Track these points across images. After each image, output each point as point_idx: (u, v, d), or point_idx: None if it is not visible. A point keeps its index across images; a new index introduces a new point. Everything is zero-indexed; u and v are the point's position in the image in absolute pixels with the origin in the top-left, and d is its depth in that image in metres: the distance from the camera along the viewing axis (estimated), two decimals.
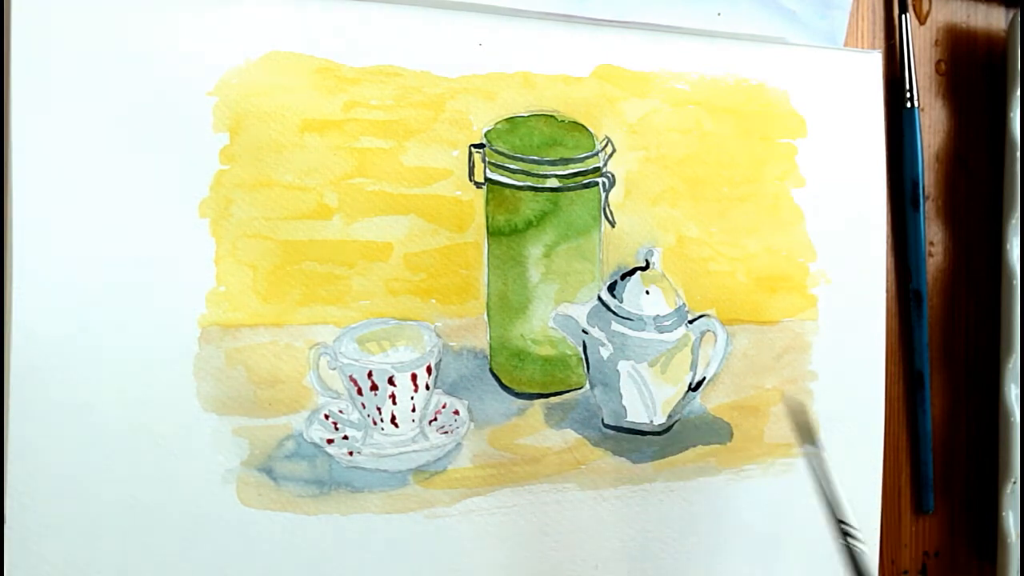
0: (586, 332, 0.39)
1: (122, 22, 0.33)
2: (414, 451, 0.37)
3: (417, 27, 0.36)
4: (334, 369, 0.35)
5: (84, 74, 0.32)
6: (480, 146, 0.37)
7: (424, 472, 0.37)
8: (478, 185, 0.37)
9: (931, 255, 0.49)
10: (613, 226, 0.39)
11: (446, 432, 0.37)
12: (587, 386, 0.40)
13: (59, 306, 0.32)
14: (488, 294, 0.38)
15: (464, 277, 0.37)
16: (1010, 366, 0.48)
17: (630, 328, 0.39)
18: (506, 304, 0.38)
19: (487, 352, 0.38)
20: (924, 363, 0.47)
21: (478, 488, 0.37)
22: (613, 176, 0.39)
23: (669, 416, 0.41)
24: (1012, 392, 0.48)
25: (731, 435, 0.42)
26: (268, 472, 0.34)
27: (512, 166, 0.37)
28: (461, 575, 0.37)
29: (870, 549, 0.44)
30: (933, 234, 0.49)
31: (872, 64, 0.45)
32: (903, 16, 0.47)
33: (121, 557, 0.33)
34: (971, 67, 0.50)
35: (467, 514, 0.37)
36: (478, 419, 0.38)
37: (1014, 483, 0.47)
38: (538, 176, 0.38)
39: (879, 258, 0.45)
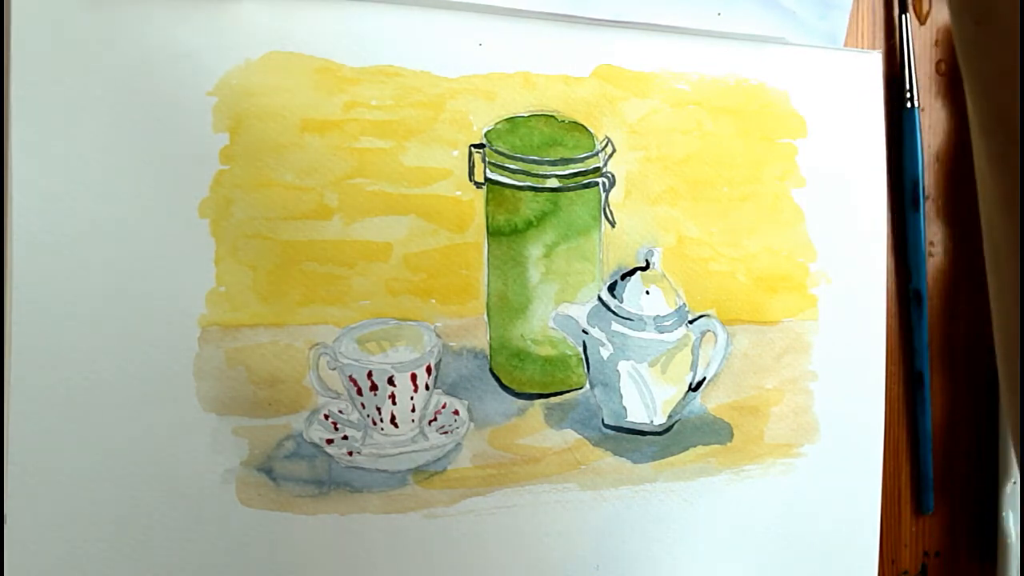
0: (586, 332, 0.39)
1: (122, 22, 0.33)
2: (414, 451, 0.37)
3: (417, 27, 0.36)
4: (334, 369, 0.35)
5: (84, 74, 0.32)
6: (480, 146, 0.37)
7: (424, 472, 0.37)
8: (478, 185, 0.37)
9: (931, 255, 0.49)
10: (613, 226, 0.39)
11: (446, 432, 0.37)
12: (587, 386, 0.40)
13: (59, 306, 0.32)
14: (488, 294, 0.38)
15: (464, 277, 0.37)
16: None
17: (630, 328, 0.39)
18: (506, 304, 0.38)
19: (487, 352, 0.38)
20: (924, 363, 0.47)
21: (478, 488, 0.37)
22: (613, 176, 0.39)
23: (669, 416, 0.40)
24: None
25: (731, 435, 0.42)
26: (268, 472, 0.34)
27: (512, 166, 0.37)
28: (461, 575, 0.37)
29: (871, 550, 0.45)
30: (933, 234, 0.49)
31: (872, 64, 0.45)
32: (903, 16, 0.47)
33: (121, 557, 0.33)
34: None
35: (467, 514, 0.37)
36: (478, 419, 0.38)
37: (1014, 483, 0.47)
38: (538, 176, 0.38)
39: (879, 258, 0.45)
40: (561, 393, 0.39)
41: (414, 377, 0.36)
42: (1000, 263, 0.21)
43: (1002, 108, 0.20)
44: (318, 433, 0.35)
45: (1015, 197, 0.20)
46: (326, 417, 0.36)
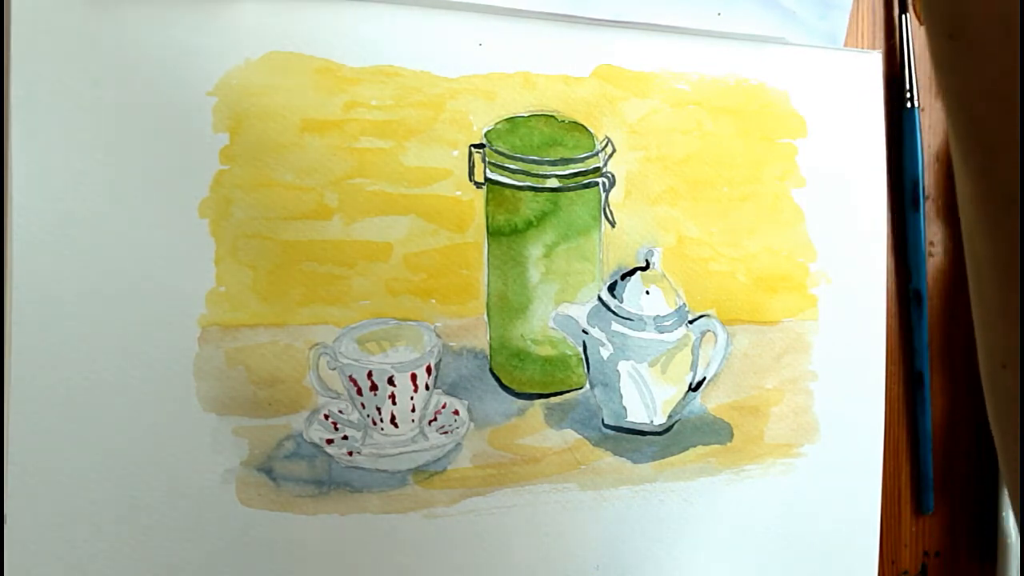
0: (586, 332, 0.39)
1: (122, 22, 0.33)
2: (414, 451, 0.37)
3: (417, 27, 0.36)
4: (334, 369, 0.35)
5: (84, 74, 0.32)
6: (480, 146, 0.37)
7: (424, 472, 0.37)
8: (478, 185, 0.37)
9: (931, 255, 0.49)
10: (613, 226, 0.39)
11: (446, 432, 0.37)
12: (587, 386, 0.40)
13: (59, 306, 0.32)
14: (488, 294, 0.38)
15: (464, 277, 0.37)
16: None
17: (630, 328, 0.39)
18: (506, 304, 0.38)
19: (487, 352, 0.38)
20: (924, 363, 0.47)
21: (478, 488, 0.37)
22: (613, 176, 0.39)
23: (669, 416, 0.40)
24: None
25: (731, 435, 0.42)
26: (268, 472, 0.34)
27: (512, 166, 0.37)
28: (461, 575, 0.37)
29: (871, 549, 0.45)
30: (933, 234, 0.49)
31: (872, 64, 0.45)
32: (903, 16, 0.47)
33: (121, 557, 0.33)
34: None
35: (467, 514, 0.37)
36: (478, 419, 0.38)
37: None
38: (538, 176, 0.38)
39: (879, 258, 0.45)
40: (561, 393, 0.39)
41: (414, 377, 0.36)
42: (982, 285, 0.21)
43: (979, 124, 0.19)
44: (318, 433, 0.35)
45: (995, 216, 0.20)
46: (326, 417, 0.36)
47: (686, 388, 0.41)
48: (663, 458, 0.40)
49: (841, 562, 0.44)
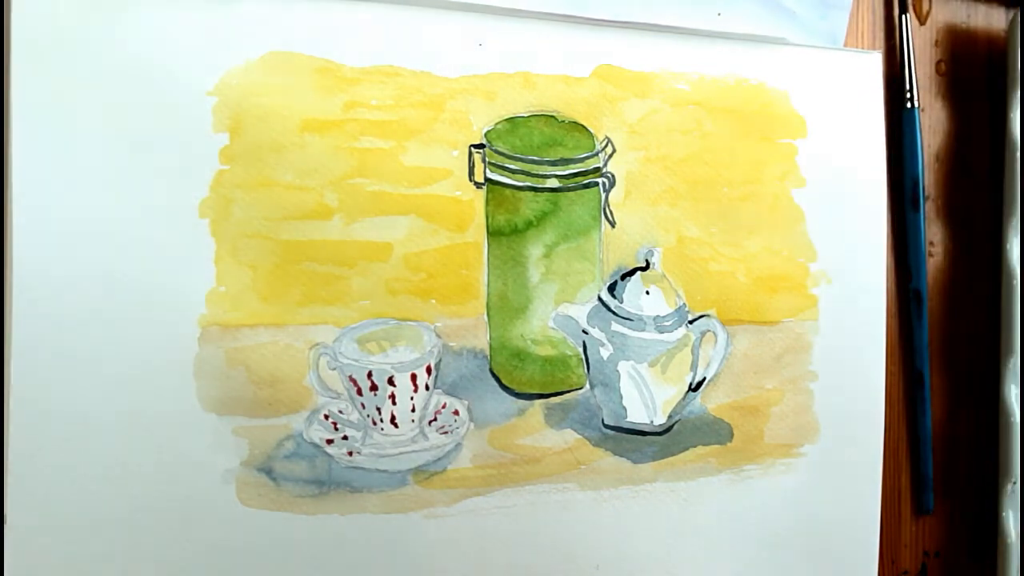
0: (586, 332, 0.39)
1: (122, 22, 0.33)
2: (414, 451, 0.37)
3: (417, 27, 0.36)
4: (334, 369, 0.35)
5: (84, 74, 0.32)
6: (480, 146, 0.37)
7: (424, 472, 0.37)
8: (478, 185, 0.37)
9: (931, 255, 0.49)
10: (613, 226, 0.39)
11: (446, 432, 0.37)
12: (587, 386, 0.40)
13: (59, 306, 0.32)
14: (488, 294, 0.38)
15: (464, 277, 0.37)
16: (1010, 366, 0.48)
17: (630, 328, 0.39)
18: (506, 304, 0.38)
19: (487, 352, 0.38)
20: (924, 363, 0.47)
21: (478, 488, 0.37)
22: (613, 176, 0.39)
23: (669, 416, 0.40)
24: (1012, 392, 0.48)
25: (731, 435, 0.42)
26: (268, 472, 0.34)
27: (512, 166, 0.37)
28: (461, 575, 0.37)
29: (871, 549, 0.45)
30: (933, 234, 0.49)
31: (872, 64, 0.45)
32: (903, 16, 0.47)
33: (121, 557, 0.33)
34: (971, 67, 0.50)
35: (467, 514, 0.37)
36: (478, 419, 0.38)
37: (1014, 483, 0.47)
38: (538, 176, 0.38)
39: (879, 258, 0.45)
40: (561, 393, 0.39)
41: (414, 377, 0.36)
42: None
43: None
44: (318, 433, 0.35)
45: None
46: (326, 417, 0.36)
47: (686, 388, 0.41)
48: (663, 458, 0.40)
49: (841, 562, 0.44)
